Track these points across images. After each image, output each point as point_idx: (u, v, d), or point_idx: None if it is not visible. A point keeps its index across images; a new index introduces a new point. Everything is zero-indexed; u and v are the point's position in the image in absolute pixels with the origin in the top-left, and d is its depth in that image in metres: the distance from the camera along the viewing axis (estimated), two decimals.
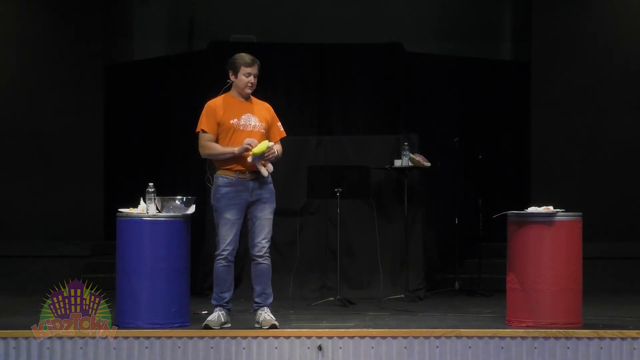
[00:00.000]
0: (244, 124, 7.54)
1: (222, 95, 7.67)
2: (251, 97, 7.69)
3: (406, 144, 9.91)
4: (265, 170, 7.49)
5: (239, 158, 7.47)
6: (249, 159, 7.42)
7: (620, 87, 11.94)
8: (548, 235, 7.60)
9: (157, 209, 7.63)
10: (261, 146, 7.40)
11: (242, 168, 7.50)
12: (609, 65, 11.96)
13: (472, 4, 13.23)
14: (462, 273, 10.84)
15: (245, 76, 7.56)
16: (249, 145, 7.40)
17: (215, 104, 7.62)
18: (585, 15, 12.09)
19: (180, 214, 7.64)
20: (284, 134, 7.75)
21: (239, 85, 7.60)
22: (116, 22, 12.91)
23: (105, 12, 12.43)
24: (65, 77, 12.06)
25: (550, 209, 7.68)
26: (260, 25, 12.83)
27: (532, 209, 7.73)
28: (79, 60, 12.09)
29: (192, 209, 7.68)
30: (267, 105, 7.76)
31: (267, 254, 7.58)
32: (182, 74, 11.98)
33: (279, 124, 7.74)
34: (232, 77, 7.62)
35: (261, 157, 7.44)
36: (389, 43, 12.01)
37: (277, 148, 7.64)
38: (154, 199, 7.62)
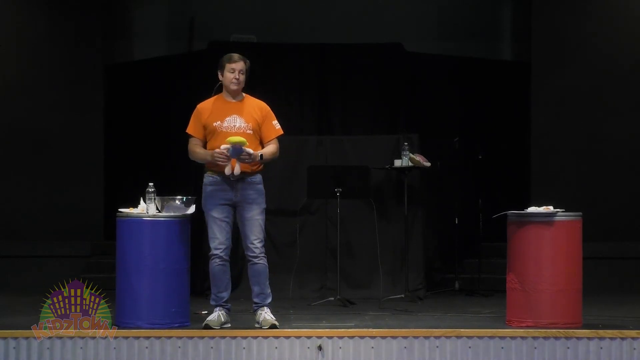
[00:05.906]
0: (227, 126, 7.52)
1: (214, 97, 7.67)
2: (245, 96, 7.66)
3: (406, 144, 9.91)
4: (230, 169, 7.43)
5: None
6: (223, 146, 7.37)
7: (621, 87, 11.93)
8: (548, 235, 7.60)
9: (157, 209, 7.63)
10: (239, 138, 7.33)
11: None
12: (609, 65, 11.96)
13: (472, 4, 13.22)
14: (462, 273, 10.84)
15: (230, 72, 7.55)
16: (220, 154, 7.38)
17: (203, 107, 7.64)
18: (585, 15, 12.08)
19: (180, 214, 7.64)
20: (280, 132, 7.65)
21: (225, 83, 7.61)
22: (116, 22, 12.90)
23: (105, 12, 12.44)
24: (65, 77, 12.06)
25: (550, 209, 7.68)
26: (260, 25, 12.81)
27: (532, 209, 7.72)
28: (79, 60, 12.09)
29: (192, 209, 7.68)
30: (261, 104, 7.67)
31: (262, 254, 7.55)
32: (182, 74, 11.96)
33: (275, 122, 7.64)
34: (220, 77, 7.64)
35: (238, 152, 7.37)
36: (389, 43, 12.00)
37: (270, 148, 7.57)
38: (154, 199, 7.62)
